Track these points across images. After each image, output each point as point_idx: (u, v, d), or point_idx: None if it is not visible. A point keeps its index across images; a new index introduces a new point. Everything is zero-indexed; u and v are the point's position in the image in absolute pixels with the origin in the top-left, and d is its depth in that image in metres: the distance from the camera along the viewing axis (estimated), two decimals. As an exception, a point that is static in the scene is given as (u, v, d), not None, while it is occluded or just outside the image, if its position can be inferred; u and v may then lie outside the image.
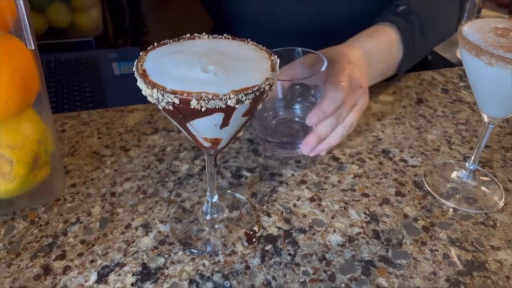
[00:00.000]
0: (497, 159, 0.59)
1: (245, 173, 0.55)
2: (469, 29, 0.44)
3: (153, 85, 0.33)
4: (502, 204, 0.51)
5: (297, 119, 0.58)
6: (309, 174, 0.55)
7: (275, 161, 0.56)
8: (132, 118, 0.63)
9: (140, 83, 0.34)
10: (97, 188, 0.51)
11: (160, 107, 0.34)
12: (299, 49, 0.55)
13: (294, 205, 0.50)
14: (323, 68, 0.52)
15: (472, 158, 0.53)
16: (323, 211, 0.49)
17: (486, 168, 0.57)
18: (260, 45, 0.40)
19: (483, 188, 0.53)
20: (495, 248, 0.45)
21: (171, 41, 0.40)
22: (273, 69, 0.37)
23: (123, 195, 0.50)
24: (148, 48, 0.38)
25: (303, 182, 0.53)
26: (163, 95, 0.33)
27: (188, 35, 0.41)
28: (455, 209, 0.50)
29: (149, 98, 0.34)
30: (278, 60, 0.38)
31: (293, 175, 0.54)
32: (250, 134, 0.61)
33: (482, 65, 0.41)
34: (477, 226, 0.48)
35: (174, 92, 0.32)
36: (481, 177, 0.55)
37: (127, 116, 0.64)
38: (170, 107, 0.33)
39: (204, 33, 0.41)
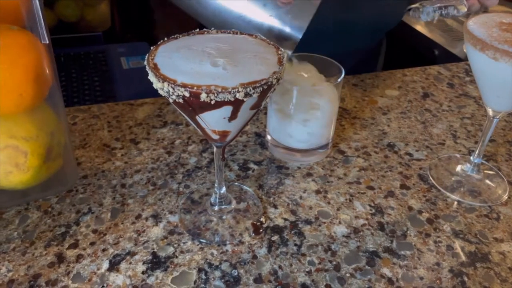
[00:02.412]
0: (502, 153, 0.59)
1: (252, 165, 0.56)
2: (474, 24, 0.45)
3: (164, 79, 0.34)
4: (506, 197, 0.51)
5: None
6: (315, 167, 0.56)
7: (281, 154, 0.57)
8: (141, 112, 0.65)
9: (151, 77, 0.35)
10: (108, 180, 0.52)
11: (171, 100, 0.35)
12: (316, 55, 0.56)
13: (300, 197, 0.51)
14: None
15: (477, 151, 0.53)
16: (328, 203, 0.50)
17: (491, 161, 0.57)
18: (268, 40, 0.41)
19: (487, 181, 0.54)
20: (499, 240, 0.46)
21: (180, 35, 0.41)
22: (280, 63, 0.37)
23: (133, 187, 0.52)
24: (159, 43, 0.39)
25: (309, 174, 0.54)
26: (173, 89, 0.34)
27: (198, 30, 0.42)
28: (459, 202, 0.51)
29: (160, 91, 0.35)
30: (285, 55, 0.38)
31: (299, 168, 0.55)
32: (257, 128, 0.62)
33: (486, 60, 0.42)
34: (480, 219, 0.49)
35: (184, 86, 0.33)
36: (485, 171, 0.55)
37: (137, 109, 0.65)
38: (181, 100, 0.34)
39: (212, 28, 0.42)
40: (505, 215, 0.49)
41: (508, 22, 0.45)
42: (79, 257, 0.43)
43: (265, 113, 0.59)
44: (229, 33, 0.42)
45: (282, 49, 0.39)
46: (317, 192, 0.52)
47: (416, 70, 0.78)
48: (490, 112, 0.49)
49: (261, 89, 0.34)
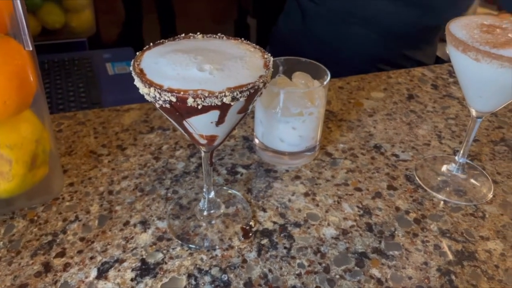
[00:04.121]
0: (486, 152, 0.60)
1: (240, 169, 0.56)
2: (456, 25, 0.46)
3: (150, 84, 0.34)
4: (491, 196, 0.52)
5: None
6: (303, 170, 0.56)
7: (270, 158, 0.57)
8: (127, 118, 0.64)
9: (138, 82, 0.35)
10: (94, 187, 0.52)
11: (157, 106, 0.35)
12: (303, 59, 0.56)
13: (289, 200, 0.51)
14: None
15: (461, 151, 0.54)
16: (317, 205, 0.51)
17: (475, 161, 0.58)
18: (254, 44, 0.41)
19: (472, 180, 0.55)
20: (484, 238, 0.47)
21: (166, 41, 0.41)
22: (266, 67, 0.38)
23: (121, 193, 0.51)
24: (144, 48, 0.39)
25: (297, 177, 0.55)
26: (160, 94, 0.33)
27: (183, 35, 0.42)
28: (445, 202, 0.52)
29: (146, 97, 0.35)
30: (271, 58, 0.39)
31: (287, 171, 0.56)
32: (244, 132, 0.62)
33: (469, 61, 0.42)
34: (467, 218, 0.49)
35: (171, 91, 0.33)
36: (470, 170, 0.56)
37: (123, 115, 0.65)
38: (168, 105, 0.34)
39: (198, 33, 0.42)
40: (490, 214, 0.50)
41: (488, 23, 0.46)
42: (66, 266, 0.42)
43: (252, 117, 0.60)
44: (215, 37, 0.42)
45: (268, 53, 0.39)
46: (306, 194, 0.52)
47: (401, 72, 0.79)
48: (474, 113, 0.50)
49: (248, 93, 0.35)
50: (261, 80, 0.36)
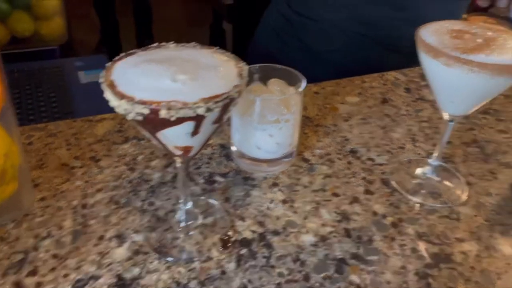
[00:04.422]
0: (459, 154, 0.61)
1: (218, 178, 0.55)
2: (426, 31, 0.46)
3: (121, 96, 0.33)
4: (465, 198, 0.53)
5: None
6: (281, 177, 0.56)
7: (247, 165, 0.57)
8: (101, 128, 0.63)
9: (108, 94, 0.34)
10: (67, 201, 0.50)
11: (129, 118, 0.34)
12: (278, 66, 0.56)
13: (268, 208, 0.51)
14: None
15: (435, 154, 0.55)
16: (295, 212, 0.50)
17: (449, 163, 0.59)
18: (228, 53, 0.41)
19: (446, 182, 0.56)
20: (460, 240, 0.48)
21: (138, 50, 0.40)
22: (241, 76, 0.37)
23: (95, 207, 0.50)
24: (115, 59, 0.38)
25: (275, 184, 0.54)
26: (132, 106, 0.33)
27: (156, 44, 0.41)
28: (421, 204, 0.52)
29: (117, 110, 0.34)
30: (246, 67, 0.38)
31: (265, 178, 0.55)
32: (221, 140, 0.62)
33: (440, 67, 0.43)
34: (442, 220, 0.50)
35: (143, 102, 0.33)
36: (444, 172, 0.57)
37: (96, 125, 0.63)
38: (140, 118, 0.33)
39: (172, 42, 0.42)
40: (465, 215, 0.51)
41: (457, 29, 0.47)
42: (38, 285, 0.41)
43: (229, 125, 0.59)
44: (188, 46, 0.41)
45: (242, 62, 0.39)
46: (284, 201, 0.52)
47: (374, 77, 0.80)
48: (446, 116, 0.51)
49: (222, 103, 0.34)
50: (236, 90, 0.35)
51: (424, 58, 0.45)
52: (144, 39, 2.58)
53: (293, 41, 0.94)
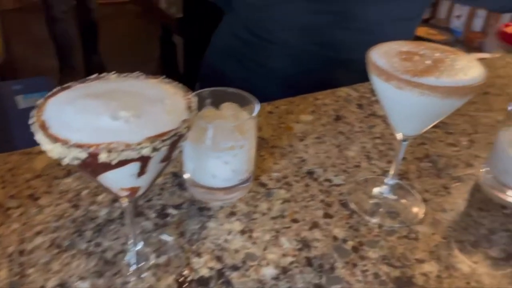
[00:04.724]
0: (413, 170, 0.62)
1: (171, 210, 0.52)
2: (377, 54, 0.46)
3: (54, 139, 0.30)
4: (422, 215, 0.53)
5: None
6: (238, 205, 0.53)
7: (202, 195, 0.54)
8: (40, 161, 0.58)
9: (39, 137, 0.31)
10: (2, 248, 0.45)
11: (64, 163, 0.31)
12: (230, 89, 0.54)
13: (225, 240, 0.48)
14: None
15: (391, 173, 0.55)
16: (254, 243, 0.48)
17: (404, 180, 0.60)
18: (175, 82, 0.38)
19: (403, 201, 0.56)
20: (420, 261, 0.47)
21: (75, 83, 0.37)
22: (190, 109, 0.35)
23: (34, 252, 0.45)
24: (48, 94, 0.35)
25: (232, 214, 0.52)
26: (67, 150, 0.29)
27: (95, 75, 0.38)
28: (380, 225, 0.52)
29: (50, 154, 0.30)
30: (195, 99, 0.36)
31: (222, 207, 0.53)
32: (174, 168, 0.58)
33: (392, 90, 0.43)
34: (401, 240, 0.50)
35: (79, 146, 0.29)
36: (400, 190, 0.57)
37: (35, 158, 0.58)
38: (77, 162, 0.30)
39: (113, 72, 0.38)
40: (423, 234, 0.51)
41: (406, 50, 0.47)
42: None
43: (181, 151, 0.56)
44: (131, 77, 0.38)
45: (191, 93, 0.37)
46: (242, 232, 0.50)
47: (327, 93, 0.80)
48: (399, 136, 0.51)
49: (170, 141, 0.32)
50: (185, 125, 0.33)
51: (376, 81, 0.45)
52: (90, 55, 2.48)
53: (249, 63, 0.92)
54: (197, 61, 1.05)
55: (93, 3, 2.41)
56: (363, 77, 0.89)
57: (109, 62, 2.49)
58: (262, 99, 0.53)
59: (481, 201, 0.56)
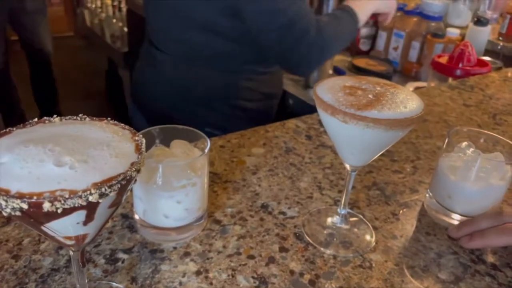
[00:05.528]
0: (363, 198, 0.64)
1: (121, 255, 0.50)
2: (322, 89, 0.48)
3: (-8, 190, 0.28)
4: (374, 243, 0.55)
5: None
6: (192, 244, 0.52)
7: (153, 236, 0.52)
8: (-25, 209, 0.54)
9: (-25, 189, 0.28)
10: None
11: (5, 214, 0.29)
12: (179, 126, 0.53)
13: (180, 283, 0.47)
14: None
15: (342, 202, 0.56)
16: (211, 283, 0.47)
17: (355, 208, 0.61)
18: (122, 124, 0.37)
19: (355, 229, 0.57)
20: (375, 289, 0.48)
21: (15, 128, 0.35)
22: (139, 151, 0.34)
23: (-32, 312, 0.41)
24: (-15, 142, 0.33)
25: (186, 254, 0.51)
26: (6, 201, 0.28)
27: (36, 119, 0.36)
28: (334, 256, 0.52)
29: (-12, 207, 0.28)
30: (143, 140, 0.35)
31: (175, 248, 0.51)
32: (123, 209, 0.56)
33: (338, 123, 0.44)
34: (356, 270, 0.51)
35: (20, 196, 0.28)
36: (352, 219, 0.59)
37: (-31, 207, 0.54)
38: (18, 213, 0.28)
39: (55, 116, 0.37)
40: (376, 262, 0.52)
41: (350, 85, 0.49)
42: None
43: (131, 190, 0.54)
44: (75, 120, 0.37)
45: (139, 135, 0.36)
46: (198, 273, 0.48)
47: (277, 125, 0.82)
48: (348, 167, 0.52)
49: (118, 185, 0.30)
50: (134, 168, 0.32)
51: (323, 115, 0.46)
52: (34, 84, 2.38)
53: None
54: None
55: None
56: None
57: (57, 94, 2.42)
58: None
59: (428, 225, 0.59)
